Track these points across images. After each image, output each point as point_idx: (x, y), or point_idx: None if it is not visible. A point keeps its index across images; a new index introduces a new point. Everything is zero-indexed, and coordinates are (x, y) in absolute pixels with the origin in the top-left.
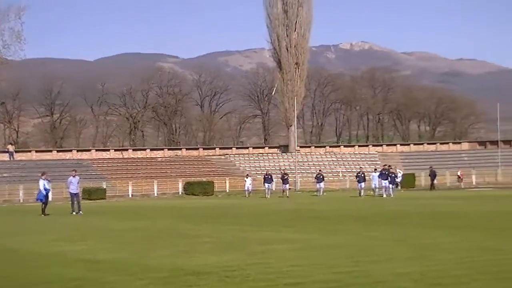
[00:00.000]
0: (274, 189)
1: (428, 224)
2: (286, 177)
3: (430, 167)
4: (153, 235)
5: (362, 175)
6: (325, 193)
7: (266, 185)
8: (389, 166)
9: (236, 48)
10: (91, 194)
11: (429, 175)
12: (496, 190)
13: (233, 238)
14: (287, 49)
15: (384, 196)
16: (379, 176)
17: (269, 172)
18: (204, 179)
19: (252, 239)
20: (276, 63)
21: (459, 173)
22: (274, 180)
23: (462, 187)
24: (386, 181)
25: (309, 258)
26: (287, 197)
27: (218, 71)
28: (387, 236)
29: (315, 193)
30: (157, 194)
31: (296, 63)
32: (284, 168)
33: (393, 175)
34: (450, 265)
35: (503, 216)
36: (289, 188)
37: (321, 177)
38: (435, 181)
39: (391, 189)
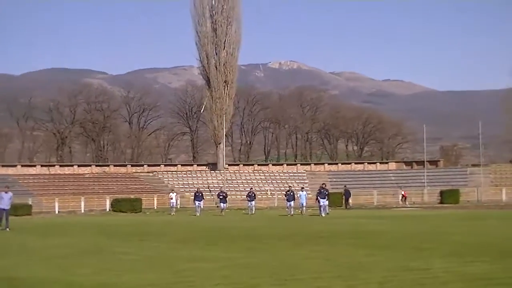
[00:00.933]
0: (202, 207)
1: (353, 244)
2: (223, 195)
3: (345, 186)
4: (77, 252)
5: (291, 193)
6: (255, 212)
7: (197, 202)
8: (324, 184)
9: (165, 65)
10: (16, 210)
11: (343, 195)
12: (421, 210)
13: (158, 256)
14: (216, 67)
15: (323, 215)
16: (317, 195)
17: (200, 189)
18: (132, 196)
19: (178, 257)
20: (205, 81)
21: (403, 193)
22: (204, 198)
23: (407, 205)
24: (325, 199)
25: (233, 276)
26: (222, 215)
27: (146, 87)
28: (313, 255)
29: (247, 211)
30: (84, 210)
31: (225, 81)
32: (221, 186)
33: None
34: (374, 284)
35: (426, 236)
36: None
37: (252, 195)
38: (349, 200)
39: (327, 208)
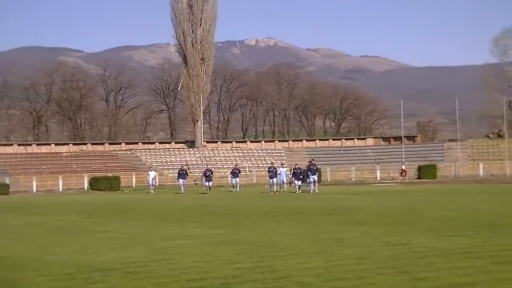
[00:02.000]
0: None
1: (332, 220)
2: (208, 174)
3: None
4: (56, 231)
5: (274, 170)
6: (240, 189)
7: (181, 180)
8: (312, 159)
9: (141, 43)
10: None
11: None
12: (399, 185)
13: (138, 234)
14: (192, 45)
15: (311, 192)
16: (308, 172)
17: (184, 167)
18: (110, 174)
19: (157, 235)
20: (182, 59)
21: (403, 167)
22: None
23: (407, 180)
24: (315, 176)
25: (213, 253)
26: (208, 193)
27: (123, 65)
28: (293, 232)
29: (231, 189)
30: (62, 189)
31: (202, 59)
32: (207, 164)
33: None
34: (353, 260)
35: (405, 212)
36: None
37: (237, 172)
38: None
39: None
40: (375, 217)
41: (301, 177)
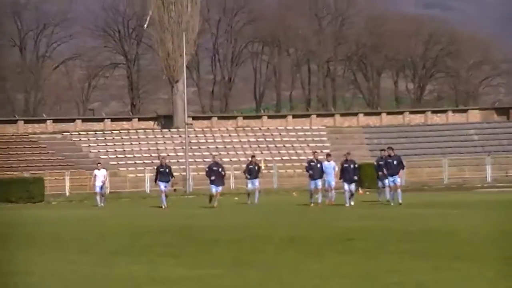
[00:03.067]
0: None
1: (408, 251)
2: (217, 173)
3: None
4: None
5: (319, 165)
6: (259, 198)
7: (162, 184)
8: (348, 153)
9: None
10: None
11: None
12: None
13: (78, 276)
14: None
15: (346, 205)
16: (381, 167)
17: (165, 161)
18: (27, 175)
19: (107, 279)
20: None
21: None
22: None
23: None
24: (350, 182)
25: None
26: (214, 206)
27: None
28: (341, 272)
29: (247, 201)
30: None
31: None
32: (214, 155)
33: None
34: None
35: None
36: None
37: (255, 169)
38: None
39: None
40: (480, 247)
41: (355, 178)
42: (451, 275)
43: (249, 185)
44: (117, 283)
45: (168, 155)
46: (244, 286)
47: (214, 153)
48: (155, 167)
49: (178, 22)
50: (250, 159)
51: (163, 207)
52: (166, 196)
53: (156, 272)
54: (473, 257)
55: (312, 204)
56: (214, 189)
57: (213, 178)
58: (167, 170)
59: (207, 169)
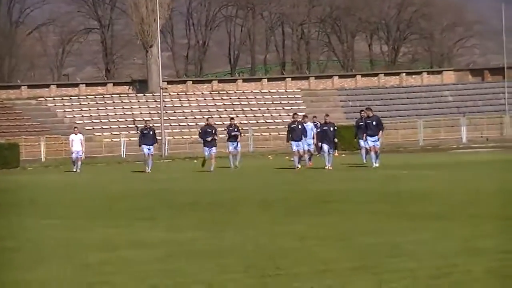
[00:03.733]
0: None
1: (382, 212)
2: (209, 134)
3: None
4: None
5: (301, 127)
6: (241, 161)
7: (146, 148)
8: (327, 115)
9: None
10: None
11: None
12: (501, 151)
13: (55, 241)
14: None
15: (328, 167)
16: (360, 128)
17: (150, 124)
18: (1, 140)
19: (85, 242)
20: None
21: None
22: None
23: None
24: (328, 143)
25: (181, 273)
26: (211, 171)
27: None
28: (317, 233)
29: (230, 165)
30: None
31: None
32: (207, 118)
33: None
34: (422, 280)
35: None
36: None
37: (235, 131)
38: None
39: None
40: (456, 207)
41: (335, 140)
42: (427, 236)
43: (230, 148)
44: (94, 247)
45: (143, 119)
46: (220, 248)
47: (208, 118)
48: (139, 130)
49: None
50: (229, 122)
51: (146, 171)
52: (151, 160)
53: (133, 235)
54: (449, 217)
55: (297, 168)
56: (207, 152)
57: (209, 138)
58: (151, 132)
59: (200, 131)
